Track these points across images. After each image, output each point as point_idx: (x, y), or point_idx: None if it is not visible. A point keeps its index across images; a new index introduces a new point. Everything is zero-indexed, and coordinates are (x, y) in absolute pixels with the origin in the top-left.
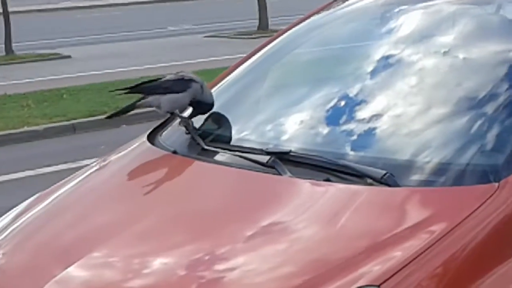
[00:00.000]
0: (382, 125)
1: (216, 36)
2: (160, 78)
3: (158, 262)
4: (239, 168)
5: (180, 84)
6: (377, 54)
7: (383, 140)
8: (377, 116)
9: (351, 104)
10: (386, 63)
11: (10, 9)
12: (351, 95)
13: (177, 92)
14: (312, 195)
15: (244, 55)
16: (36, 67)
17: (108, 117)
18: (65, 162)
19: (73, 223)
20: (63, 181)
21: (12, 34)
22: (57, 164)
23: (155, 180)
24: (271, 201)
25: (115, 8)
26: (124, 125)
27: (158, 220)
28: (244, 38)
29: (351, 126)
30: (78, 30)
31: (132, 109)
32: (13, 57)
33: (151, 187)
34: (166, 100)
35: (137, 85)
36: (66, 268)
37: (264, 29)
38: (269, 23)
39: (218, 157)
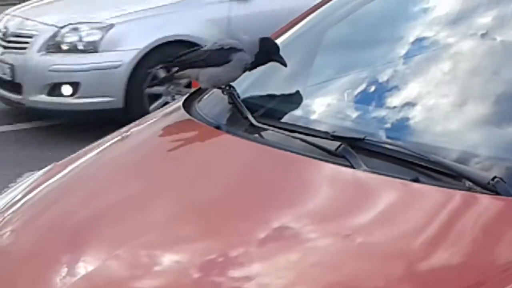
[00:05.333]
0: (485, 110)
1: None
2: (199, 48)
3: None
4: (298, 153)
5: (219, 55)
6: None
7: (489, 130)
8: (482, 97)
9: (449, 74)
10: None
11: None
12: (448, 59)
13: (217, 65)
14: (402, 199)
15: None
16: None
17: (149, 86)
18: None
19: (85, 202)
20: (84, 149)
21: None
22: None
23: (189, 158)
24: (349, 202)
25: None
26: None
27: (201, 205)
28: None
29: (448, 105)
30: None
31: (171, 80)
32: None
33: (184, 166)
34: (204, 75)
35: (174, 59)
36: (72, 255)
37: None
38: None
39: (270, 137)
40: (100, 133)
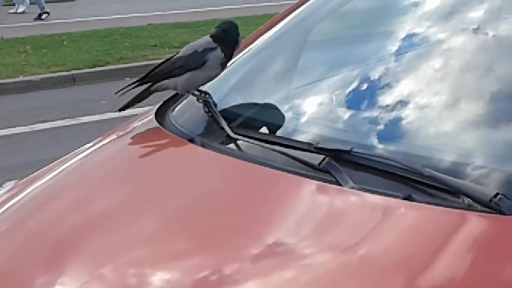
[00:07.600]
0: (483, 117)
1: None
2: (171, 58)
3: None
4: (277, 169)
5: (195, 58)
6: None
7: (490, 139)
8: (480, 103)
9: (444, 77)
10: None
11: None
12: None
13: (194, 69)
14: (392, 220)
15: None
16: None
17: (120, 110)
18: (63, 118)
19: (60, 216)
20: (47, 167)
21: None
22: (53, 120)
23: (160, 173)
24: (332, 224)
25: None
26: (128, 78)
27: (166, 224)
28: None
29: (445, 112)
30: None
31: (147, 96)
32: None
33: (155, 182)
34: (183, 80)
35: (147, 74)
36: (49, 275)
37: None
38: None
39: (248, 150)
40: None
